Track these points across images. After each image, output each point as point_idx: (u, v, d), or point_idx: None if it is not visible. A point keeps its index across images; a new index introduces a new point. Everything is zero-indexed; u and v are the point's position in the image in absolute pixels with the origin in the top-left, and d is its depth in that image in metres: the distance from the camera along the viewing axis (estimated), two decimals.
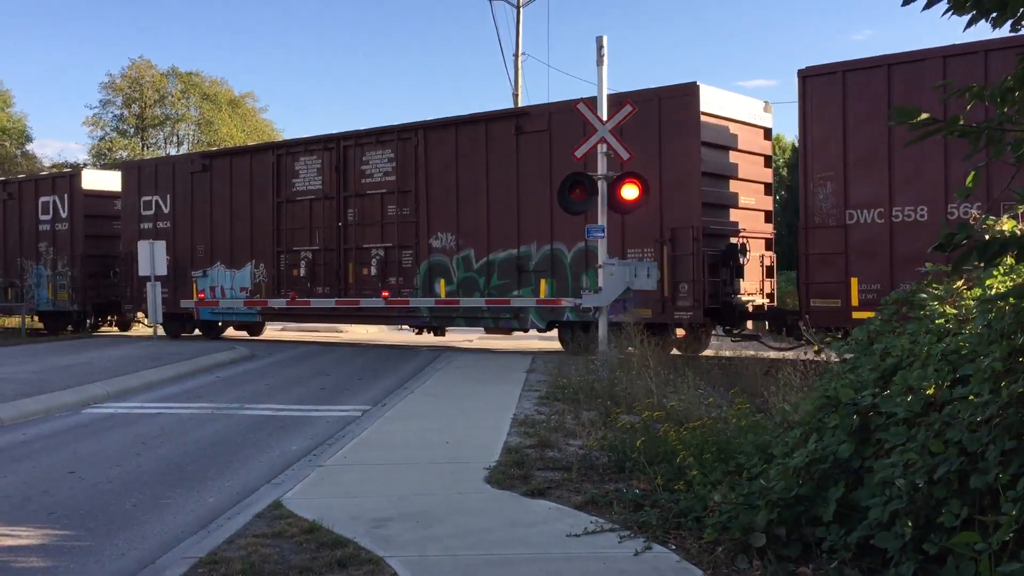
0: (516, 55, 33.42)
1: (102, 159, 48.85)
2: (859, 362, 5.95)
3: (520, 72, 33.22)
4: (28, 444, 9.60)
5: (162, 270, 22.85)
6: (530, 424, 9.51)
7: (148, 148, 51.92)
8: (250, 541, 5.61)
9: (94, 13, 77.80)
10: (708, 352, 17.14)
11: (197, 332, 24.49)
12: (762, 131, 17.76)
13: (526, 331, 18.59)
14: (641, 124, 15.72)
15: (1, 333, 27.98)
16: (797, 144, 17.42)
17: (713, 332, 17.55)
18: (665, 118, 16.14)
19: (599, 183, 14.10)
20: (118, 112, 52.63)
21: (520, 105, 30.27)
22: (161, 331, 24.98)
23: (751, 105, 17.38)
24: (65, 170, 26.65)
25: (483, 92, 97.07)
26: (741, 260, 16.30)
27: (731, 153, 16.81)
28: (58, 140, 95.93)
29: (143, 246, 22.98)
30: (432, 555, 5.31)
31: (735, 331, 16.84)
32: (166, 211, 24.15)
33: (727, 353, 16.31)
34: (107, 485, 7.65)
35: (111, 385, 13.66)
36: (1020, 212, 5.17)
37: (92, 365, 16.23)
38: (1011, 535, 3.49)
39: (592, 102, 14.53)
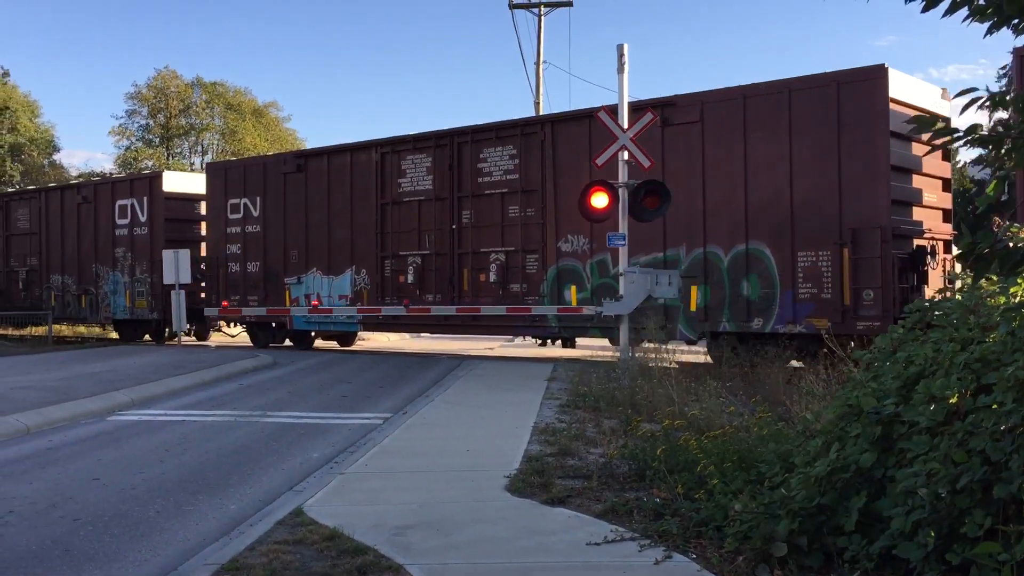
0: (537, 63, 33.46)
1: (127, 168, 49.33)
2: (882, 370, 5.90)
3: (541, 80, 33.27)
4: (54, 451, 9.70)
5: (186, 278, 23.01)
6: (551, 432, 9.50)
7: (173, 158, 52.42)
8: (271, 548, 5.64)
9: (120, 24, 78.75)
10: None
11: (288, 343, 23.39)
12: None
13: (675, 340, 15.96)
14: (814, 111, 14.55)
15: (28, 341, 28.24)
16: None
17: None
18: (845, 105, 14.30)
19: (620, 191, 14.09)
20: (144, 122, 53.21)
21: (541, 113, 30.27)
22: (191, 339, 25.23)
23: (930, 92, 15.54)
24: (144, 172, 26.14)
25: (505, 100, 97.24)
26: (930, 265, 14.45)
27: (913, 145, 14.65)
28: (84, 150, 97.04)
29: (167, 254, 23.19)
30: (452, 563, 5.32)
31: None
32: (256, 214, 22.87)
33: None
34: (131, 492, 7.71)
35: (135, 392, 13.77)
36: None
37: (117, 372, 16.37)
38: None
39: (613, 110, 14.54)
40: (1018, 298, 5.04)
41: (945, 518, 4.11)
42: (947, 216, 15.79)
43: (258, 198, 22.84)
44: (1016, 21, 3.37)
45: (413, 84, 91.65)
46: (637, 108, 15.40)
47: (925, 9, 3.49)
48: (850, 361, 8.57)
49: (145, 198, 25.36)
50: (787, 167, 14.82)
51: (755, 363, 12.77)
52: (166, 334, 26.03)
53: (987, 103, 3.53)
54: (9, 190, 34.62)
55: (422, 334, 25.13)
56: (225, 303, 23.32)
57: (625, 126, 14.13)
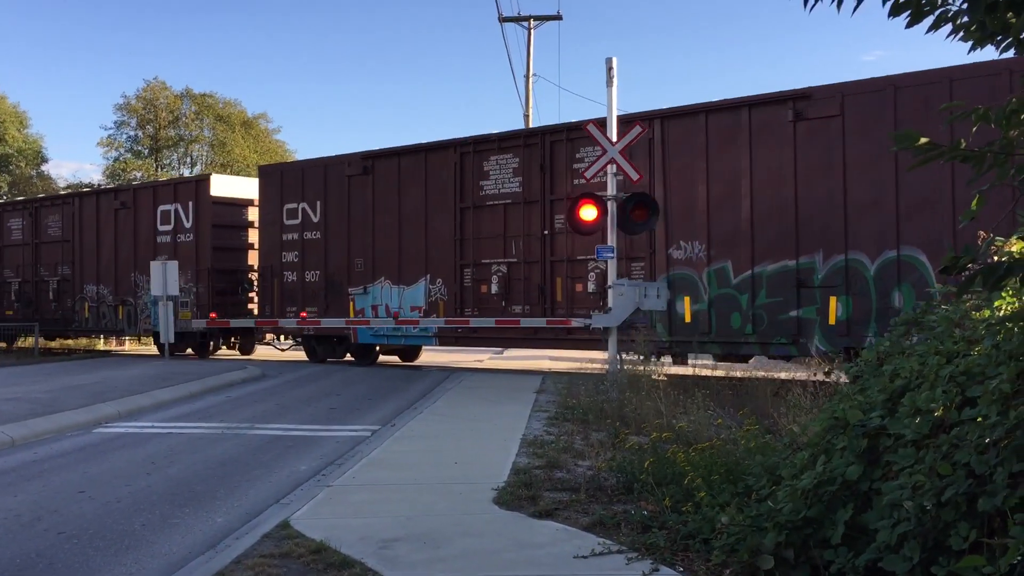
0: (527, 76, 33.58)
1: (116, 179, 49.19)
2: (868, 383, 5.93)
3: (531, 93, 33.38)
4: (39, 463, 9.64)
5: (174, 290, 22.71)
6: (539, 445, 9.49)
7: (162, 169, 52.31)
8: (257, 561, 5.61)
9: (109, 35, 78.67)
10: (719, 372, 16.97)
11: (349, 357, 21.93)
12: None
13: (811, 356, 14.91)
14: (980, 101, 12.82)
15: (15, 353, 28.08)
16: None
17: None
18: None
19: (609, 204, 14.13)
20: (132, 133, 53.14)
21: (531, 126, 30.34)
22: (199, 351, 25.00)
23: None
24: (188, 175, 24.70)
25: (495, 113, 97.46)
26: None
27: None
28: (73, 161, 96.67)
29: (155, 266, 22.87)
30: None
31: None
32: (315, 220, 21.52)
33: (738, 373, 16.23)
34: (116, 504, 7.67)
35: (122, 405, 13.70)
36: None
37: (104, 384, 16.29)
38: (1018, 559, 3.46)
39: (601, 123, 14.59)
40: (1002, 312, 5.07)
41: (930, 531, 4.12)
42: None
43: (318, 202, 21.46)
44: (999, 38, 3.40)
45: (404, 97, 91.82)
46: (725, 108, 15.27)
47: (909, 25, 3.53)
48: None
49: (191, 203, 24.05)
50: (949, 163, 13.66)
51: None
52: (211, 348, 24.82)
53: (973, 117, 3.57)
54: (40, 195, 33.31)
55: (502, 350, 23.49)
56: (281, 314, 22.02)
57: (614, 139, 14.17)
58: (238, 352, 25.45)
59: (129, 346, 31.41)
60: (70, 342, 31.34)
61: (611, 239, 14.25)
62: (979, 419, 4.24)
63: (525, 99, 33.41)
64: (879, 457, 4.88)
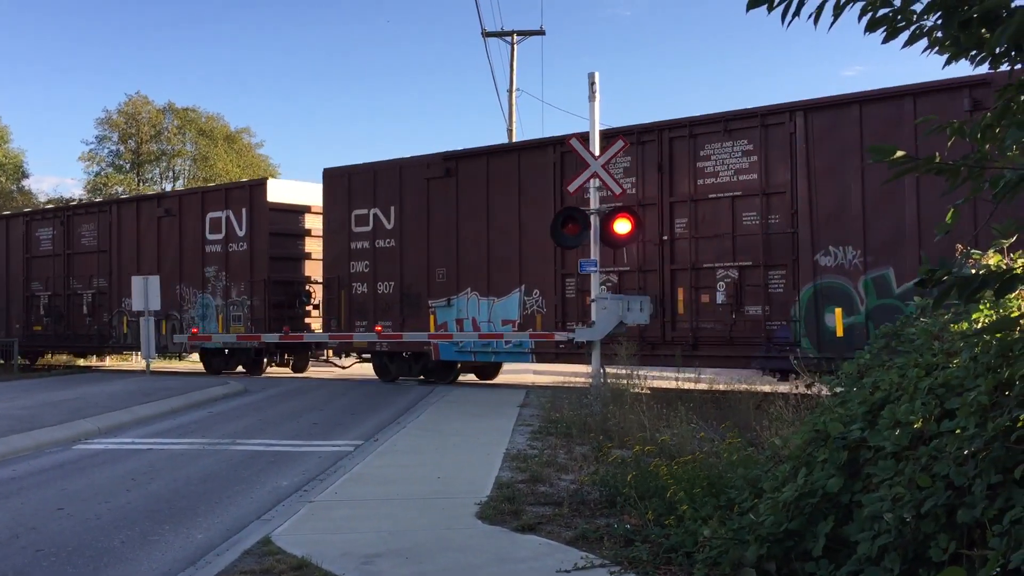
0: (510, 91, 33.68)
1: (97, 194, 48.94)
2: (849, 396, 5.95)
3: (514, 108, 33.48)
4: (17, 480, 9.54)
5: (156, 305, 22.38)
6: (522, 459, 9.48)
7: (144, 183, 52.08)
8: None
9: (91, 49, 78.42)
10: (702, 385, 16.94)
11: (422, 377, 19.96)
12: None
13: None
14: None
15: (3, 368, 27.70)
16: None
17: None
18: None
19: (592, 218, 14.17)
20: (114, 148, 52.90)
21: (515, 140, 30.35)
22: (189, 365, 24.79)
23: None
24: (243, 180, 22.88)
25: (478, 128, 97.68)
26: None
27: None
28: (54, 176, 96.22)
29: (136, 280, 22.55)
30: None
31: None
32: (389, 226, 19.82)
33: (721, 387, 16.24)
34: (95, 522, 7.60)
35: (102, 421, 13.59)
36: (1005, 247, 5.20)
37: (84, 400, 16.15)
38: (997, 570, 3.48)
39: (585, 137, 14.65)
40: (980, 324, 5.12)
41: (911, 543, 4.14)
42: None
43: (392, 207, 19.80)
44: (973, 53, 3.44)
45: (387, 112, 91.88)
46: (885, 97, 13.74)
47: (885, 40, 3.56)
48: None
49: (244, 209, 22.44)
50: None
51: None
52: (264, 364, 23.32)
53: (948, 131, 3.61)
54: (72, 203, 31.50)
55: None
56: (350, 329, 20.27)
57: (597, 153, 14.23)
58: (290, 370, 23.96)
59: (162, 363, 29.89)
60: (106, 359, 30.17)
61: (594, 253, 14.28)
62: (958, 431, 4.27)
63: (508, 114, 33.52)
64: (860, 469, 4.90)
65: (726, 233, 15.56)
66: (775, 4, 3.55)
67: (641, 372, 13.85)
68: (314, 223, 22.83)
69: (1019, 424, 3.97)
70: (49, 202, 48.39)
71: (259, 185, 22.79)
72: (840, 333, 14.28)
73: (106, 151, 52.96)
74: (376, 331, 19.45)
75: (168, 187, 51.57)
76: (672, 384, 15.04)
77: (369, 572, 5.63)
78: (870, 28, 3.51)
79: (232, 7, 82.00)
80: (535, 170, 17.91)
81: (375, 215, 20.09)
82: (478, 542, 6.33)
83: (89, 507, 8.14)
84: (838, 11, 3.53)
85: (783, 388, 12.42)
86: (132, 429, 13.46)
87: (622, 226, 14.00)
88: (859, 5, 3.52)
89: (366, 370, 22.16)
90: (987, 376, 4.32)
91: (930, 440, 4.47)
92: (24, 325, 27.53)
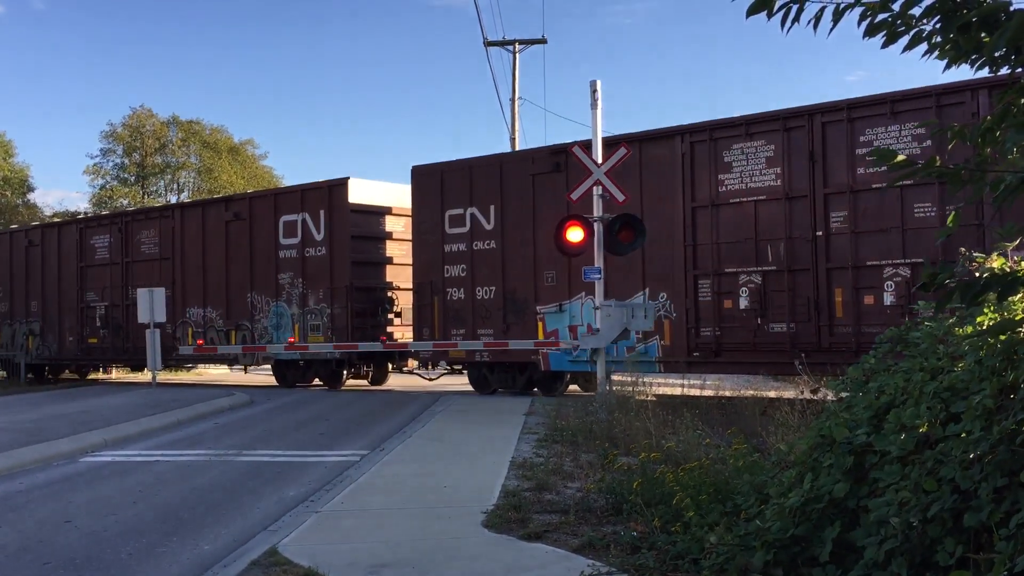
0: (513, 99, 33.74)
1: (103, 207, 49.09)
2: (854, 400, 5.95)
3: (517, 116, 33.53)
4: (25, 494, 9.56)
5: (161, 317, 22.32)
6: (528, 467, 9.47)
7: (149, 196, 52.24)
8: None
9: (95, 63, 78.74)
10: (708, 392, 16.74)
11: (534, 389, 18.16)
12: None
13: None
14: None
15: (8, 381, 27.69)
16: None
17: None
18: None
19: (595, 225, 14.18)
20: (119, 161, 53.06)
21: (517, 148, 30.38)
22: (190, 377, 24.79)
23: None
24: (320, 180, 21.47)
25: (481, 136, 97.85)
26: None
27: None
28: (59, 189, 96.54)
29: (142, 293, 22.53)
30: None
31: None
32: (489, 227, 18.35)
33: (727, 392, 16.22)
34: (103, 534, 7.61)
35: (109, 433, 13.61)
36: (1009, 250, 5.20)
37: (90, 413, 16.19)
38: (1004, 573, 3.47)
39: (588, 145, 14.67)
40: (984, 327, 5.11)
41: (917, 547, 4.13)
42: None
43: (492, 206, 18.30)
44: (974, 56, 3.45)
45: (389, 122, 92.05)
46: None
47: (884, 45, 3.57)
48: None
49: (322, 211, 21.06)
50: None
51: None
52: (344, 376, 21.80)
53: (949, 135, 3.61)
54: (130, 208, 30.08)
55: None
56: (444, 338, 18.94)
57: (599, 160, 14.25)
58: (366, 381, 22.47)
59: (228, 374, 28.81)
60: (166, 372, 28.72)
61: (598, 260, 14.28)
62: (963, 434, 4.27)
63: (511, 122, 33.57)
64: (866, 474, 4.90)
65: (895, 227, 14.08)
66: (775, 10, 3.56)
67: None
68: (395, 225, 21.80)
69: None
70: (55, 216, 48.53)
71: (339, 185, 21.12)
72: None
73: (111, 164, 53.15)
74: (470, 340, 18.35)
75: (173, 199, 51.65)
76: (678, 391, 15.02)
77: None
78: (869, 33, 3.52)
79: (237, 20, 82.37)
80: (658, 163, 16.45)
81: (472, 215, 18.53)
82: (485, 551, 6.33)
83: (96, 519, 8.15)
84: (837, 16, 3.54)
85: (788, 394, 12.41)
86: (139, 441, 13.48)
87: (626, 234, 14.01)
88: (858, 10, 3.53)
89: (454, 382, 21.02)
90: (992, 379, 4.32)
91: (936, 444, 4.46)
92: (78, 338, 26.22)
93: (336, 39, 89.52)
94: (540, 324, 17.70)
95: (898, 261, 14.09)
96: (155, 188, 53.81)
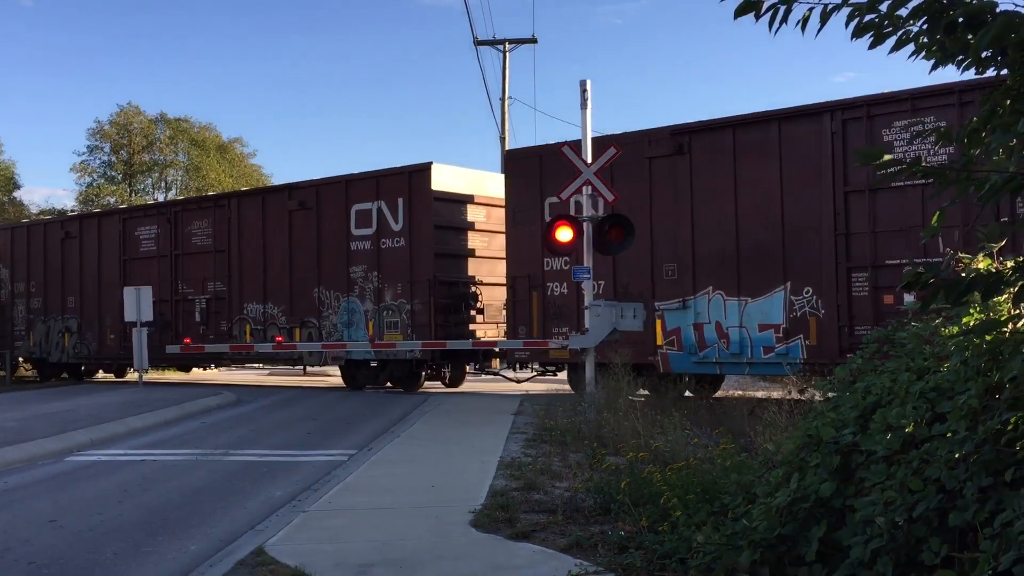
0: (503, 99, 33.73)
1: (89, 205, 48.84)
2: (841, 400, 5.97)
3: (507, 115, 33.53)
4: (9, 493, 9.50)
5: (148, 316, 21.90)
6: (516, 467, 9.47)
7: (136, 194, 52.00)
8: None
9: (81, 60, 78.32)
10: (720, 392, 16.37)
11: (643, 391, 16.02)
12: None
13: None
14: None
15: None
16: None
17: None
18: None
19: (585, 224, 14.18)
20: (106, 158, 52.79)
21: (508, 148, 30.31)
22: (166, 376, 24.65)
23: None
24: (398, 166, 19.79)
25: (470, 135, 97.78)
26: None
27: None
28: (46, 187, 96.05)
29: (128, 291, 22.13)
30: None
31: None
32: (597, 215, 15.65)
33: (716, 393, 16.28)
34: (88, 534, 7.57)
35: (95, 432, 13.54)
36: (995, 250, 5.23)
37: (76, 412, 16.10)
38: (988, 572, 3.48)
39: (577, 145, 14.66)
40: (970, 327, 5.13)
41: (903, 547, 4.14)
42: None
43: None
44: (960, 58, 3.46)
45: (380, 120, 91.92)
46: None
47: (872, 46, 3.58)
48: None
49: (401, 199, 19.48)
50: None
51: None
52: (422, 377, 20.37)
53: (935, 137, 3.62)
54: (180, 198, 26.70)
55: None
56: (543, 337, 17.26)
57: (589, 160, 14.25)
58: (440, 384, 20.97)
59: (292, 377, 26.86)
60: (211, 371, 27.59)
61: (587, 260, 14.28)
62: (949, 434, 4.28)
63: (501, 122, 33.56)
64: (852, 474, 4.91)
65: None
66: (763, 11, 3.56)
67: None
68: (477, 215, 20.40)
69: (1009, 427, 3.98)
70: (41, 213, 48.28)
71: (421, 171, 19.46)
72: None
73: (98, 162, 52.83)
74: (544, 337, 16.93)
75: (161, 197, 51.36)
76: (547, 387, 14.90)
77: None
78: (857, 34, 3.53)
79: (225, 17, 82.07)
80: (800, 142, 14.98)
81: (576, 204, 16.34)
82: (472, 550, 6.33)
83: (82, 519, 8.11)
84: (825, 17, 3.54)
85: (777, 394, 12.44)
86: (125, 440, 13.42)
87: (615, 234, 14.01)
88: (846, 11, 3.53)
89: (548, 385, 20.24)
90: (977, 379, 4.34)
91: (921, 444, 4.48)
92: (121, 335, 24.51)
93: (325, 37, 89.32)
94: (659, 322, 16.07)
95: None
96: (142, 186, 53.57)
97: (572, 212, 15.25)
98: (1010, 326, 4.37)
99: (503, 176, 19.85)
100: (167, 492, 9.33)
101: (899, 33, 3.51)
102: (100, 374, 27.43)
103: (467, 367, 21.17)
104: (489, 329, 20.03)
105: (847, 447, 5.02)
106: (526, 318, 17.55)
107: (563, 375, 18.79)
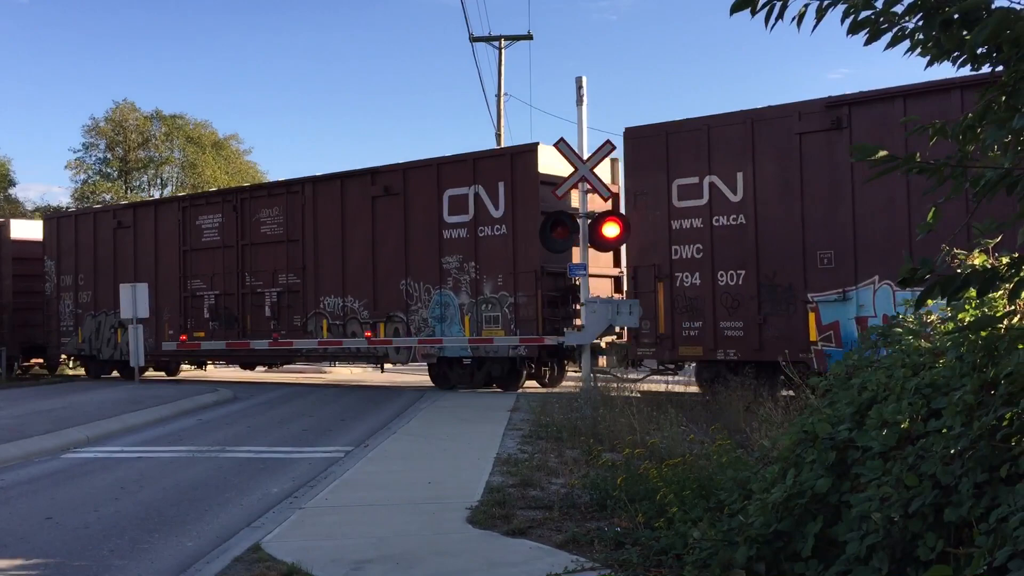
0: (498, 95, 33.69)
1: (85, 202, 48.75)
2: (837, 397, 5.97)
3: (503, 112, 33.50)
4: (5, 490, 9.49)
5: (144, 313, 21.78)
6: (512, 463, 9.47)
7: (132, 191, 51.91)
8: None
9: (77, 57, 78.16)
10: (692, 388, 16.60)
11: (788, 392, 13.55)
12: None
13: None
14: None
15: None
16: None
17: None
18: None
19: (580, 221, 14.20)
20: (101, 155, 52.70)
21: (503, 145, 30.24)
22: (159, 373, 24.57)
23: None
24: (497, 147, 18.70)
25: (466, 132, 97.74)
26: None
27: None
28: (41, 184, 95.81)
29: (125, 288, 22.07)
30: None
31: None
32: (735, 198, 15.13)
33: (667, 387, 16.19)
34: (84, 531, 7.56)
35: (91, 429, 13.53)
36: (990, 247, 5.23)
37: (73, 409, 16.08)
38: (984, 568, 3.49)
39: (573, 142, 14.68)
40: (965, 323, 5.13)
41: (898, 542, 4.15)
42: None
43: (739, 174, 15.13)
44: (956, 54, 3.46)
45: (375, 116, 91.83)
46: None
47: (868, 42, 3.59)
48: None
49: (501, 184, 18.05)
50: None
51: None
52: (523, 377, 18.68)
53: (930, 132, 3.63)
54: (246, 184, 23.61)
55: None
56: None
57: (585, 156, 14.26)
58: (536, 383, 19.29)
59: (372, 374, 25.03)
60: (267, 373, 25.96)
61: (582, 256, 14.30)
62: (944, 430, 4.29)
63: (497, 118, 33.53)
64: (848, 469, 4.92)
65: None
66: (759, 7, 3.56)
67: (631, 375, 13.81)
68: (577, 200, 17.98)
69: (1004, 423, 3.99)
70: (36, 211, 48.18)
71: (526, 152, 18.11)
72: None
73: (93, 159, 52.78)
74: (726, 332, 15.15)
75: (156, 195, 51.21)
76: (662, 388, 15.04)
77: None
78: (852, 30, 3.53)
79: (220, 14, 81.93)
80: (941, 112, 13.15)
81: (711, 184, 15.40)
82: (468, 547, 6.33)
83: (78, 516, 8.10)
84: (821, 14, 3.55)
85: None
86: (121, 437, 13.40)
87: (610, 230, 14.02)
88: (842, 7, 3.54)
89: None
90: (973, 375, 4.35)
91: (917, 440, 4.49)
92: (180, 331, 23.34)
93: (321, 35, 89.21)
94: (812, 316, 14.50)
95: None
96: (138, 183, 53.49)
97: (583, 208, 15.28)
98: (1005, 322, 4.38)
99: (607, 160, 18.00)
100: (163, 489, 9.33)
101: (895, 30, 3.52)
102: (150, 372, 25.91)
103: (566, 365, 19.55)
104: None
105: (843, 443, 5.03)
106: (650, 312, 15.81)
107: (657, 374, 16.91)
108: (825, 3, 3.52)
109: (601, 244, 14.19)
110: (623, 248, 16.68)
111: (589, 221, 14.22)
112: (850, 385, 5.91)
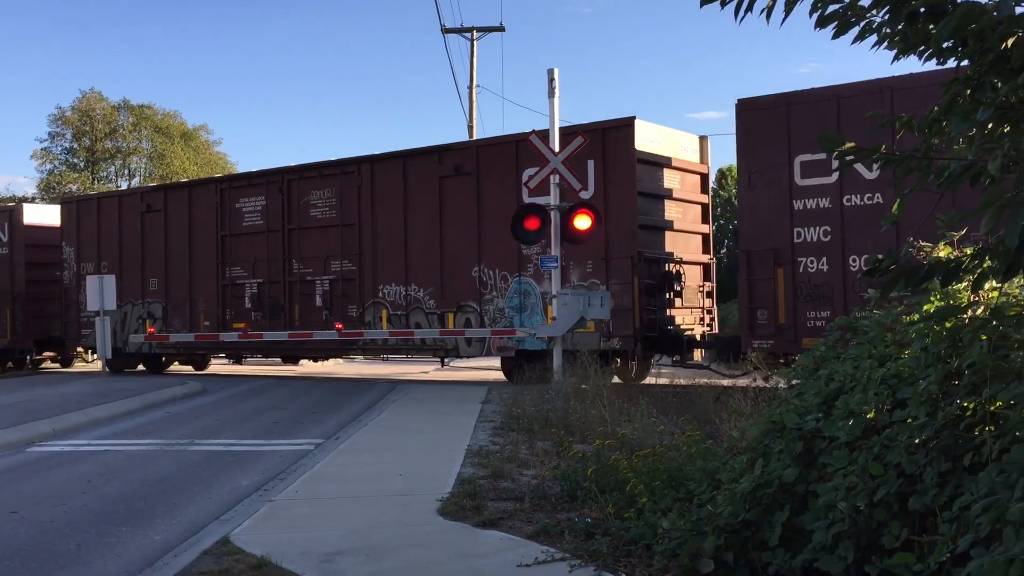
0: (471, 87, 33.65)
1: (51, 193, 48.09)
2: (804, 387, 6.03)
3: (475, 104, 33.44)
4: None
5: (111, 304, 21.27)
6: (484, 455, 9.48)
7: (99, 181, 51.30)
8: None
9: (43, 45, 77.03)
10: (663, 380, 16.79)
11: None
12: None
13: None
14: None
15: None
16: None
17: None
18: None
19: (552, 213, 14.20)
20: (68, 145, 52.06)
21: (475, 137, 30.19)
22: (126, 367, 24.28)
23: None
24: (590, 122, 17.11)
25: (438, 124, 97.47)
26: None
27: None
28: (6, 175, 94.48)
29: (91, 280, 21.62)
30: None
31: None
32: (870, 175, 13.61)
33: (681, 381, 16.35)
34: (51, 524, 7.48)
35: (57, 422, 13.37)
36: (955, 239, 5.30)
37: (38, 402, 15.89)
38: (947, 555, 3.55)
39: (544, 134, 14.67)
40: (930, 314, 5.20)
41: (864, 531, 4.21)
42: None
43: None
44: (922, 48, 3.50)
45: (346, 107, 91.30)
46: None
47: (835, 35, 3.61)
48: None
49: (591, 162, 16.46)
50: None
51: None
52: (614, 366, 16.84)
53: (897, 125, 3.66)
54: (293, 165, 21.92)
55: None
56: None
57: (556, 149, 14.26)
58: (617, 378, 17.17)
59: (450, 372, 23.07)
60: (314, 364, 24.46)
61: (555, 249, 14.31)
62: (909, 420, 4.35)
63: (469, 110, 33.47)
64: (815, 459, 4.97)
65: None
66: (727, 0, 3.58)
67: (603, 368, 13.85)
68: (673, 181, 17.54)
69: (968, 412, 4.05)
70: (0, 200, 47.46)
71: (621, 127, 16.56)
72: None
73: (59, 149, 52.17)
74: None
75: (124, 185, 50.57)
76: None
77: (329, 570, 5.61)
78: (820, 24, 3.55)
79: (188, 4, 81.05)
80: None
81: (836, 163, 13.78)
82: (439, 538, 6.33)
83: (44, 510, 8.01)
84: (789, 6, 3.57)
85: (743, 381, 12.55)
86: (88, 431, 13.26)
87: (582, 222, 14.04)
88: (809, 0, 3.56)
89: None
90: (937, 366, 4.41)
91: (883, 430, 4.55)
92: (218, 321, 21.86)
93: (291, 24, 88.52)
94: None
95: None
96: (105, 174, 52.88)
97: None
98: (969, 313, 4.44)
99: (695, 138, 18.05)
100: (131, 482, 9.24)
101: (862, 23, 3.54)
102: (175, 365, 25.04)
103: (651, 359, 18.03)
104: (686, 315, 17.42)
105: (810, 433, 5.08)
106: (768, 300, 14.56)
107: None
108: None
109: (573, 236, 14.19)
110: (733, 230, 15.36)
111: (559, 214, 14.21)
112: (817, 376, 5.98)
